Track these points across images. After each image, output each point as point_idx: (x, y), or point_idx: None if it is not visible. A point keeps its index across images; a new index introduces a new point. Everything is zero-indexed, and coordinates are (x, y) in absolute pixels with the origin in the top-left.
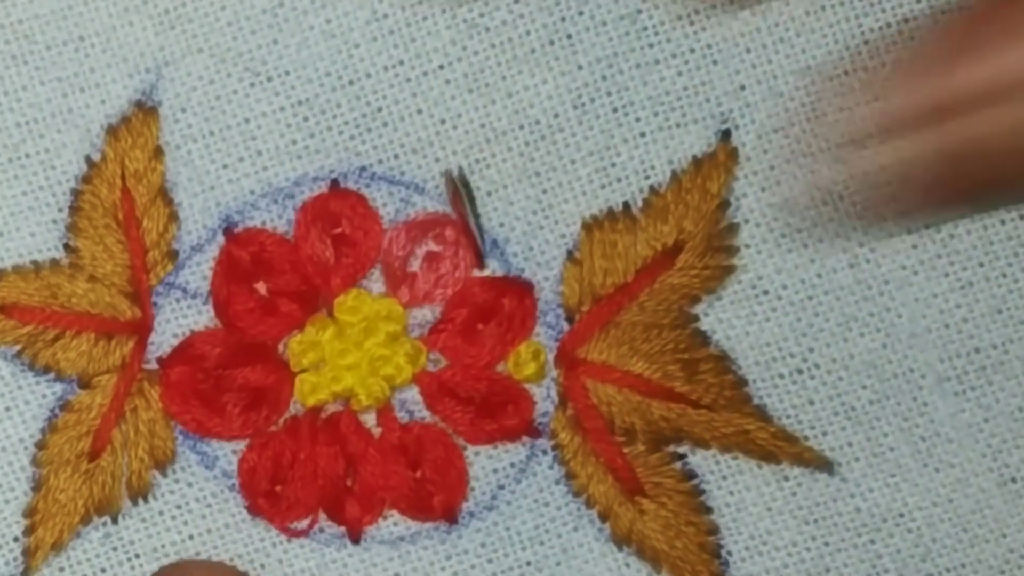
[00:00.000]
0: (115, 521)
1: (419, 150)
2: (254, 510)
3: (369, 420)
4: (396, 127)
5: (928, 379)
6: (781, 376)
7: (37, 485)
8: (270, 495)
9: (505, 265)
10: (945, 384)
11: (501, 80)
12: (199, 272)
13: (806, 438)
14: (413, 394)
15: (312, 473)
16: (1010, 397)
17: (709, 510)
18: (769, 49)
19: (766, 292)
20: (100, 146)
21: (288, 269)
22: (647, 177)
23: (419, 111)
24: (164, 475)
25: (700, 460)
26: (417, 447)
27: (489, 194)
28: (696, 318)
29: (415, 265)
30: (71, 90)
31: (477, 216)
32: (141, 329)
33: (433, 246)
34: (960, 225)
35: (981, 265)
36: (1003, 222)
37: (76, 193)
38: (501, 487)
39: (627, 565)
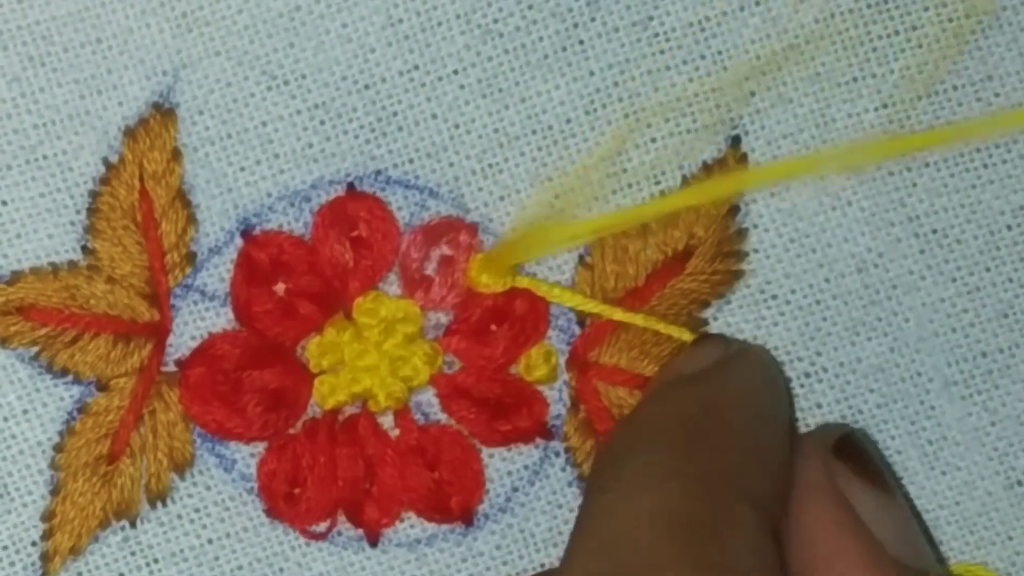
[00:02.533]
0: (133, 525)
1: (433, 154)
2: (273, 513)
3: (386, 422)
4: (411, 131)
5: (935, 383)
6: (789, 380)
7: (55, 489)
8: (289, 498)
9: (517, 268)
10: (952, 388)
11: (514, 85)
12: (217, 274)
13: None
14: (429, 396)
15: (331, 476)
16: (1016, 401)
17: None
18: (778, 56)
19: (775, 297)
20: (118, 148)
21: (307, 271)
22: (658, 182)
23: (434, 116)
24: (182, 478)
25: None
26: (435, 448)
27: (502, 199)
28: (705, 322)
29: (430, 269)
30: (89, 92)
31: None
32: (159, 331)
33: (447, 250)
34: (967, 231)
35: (988, 270)
36: (1009, 227)
37: (94, 195)
38: (515, 489)
39: None
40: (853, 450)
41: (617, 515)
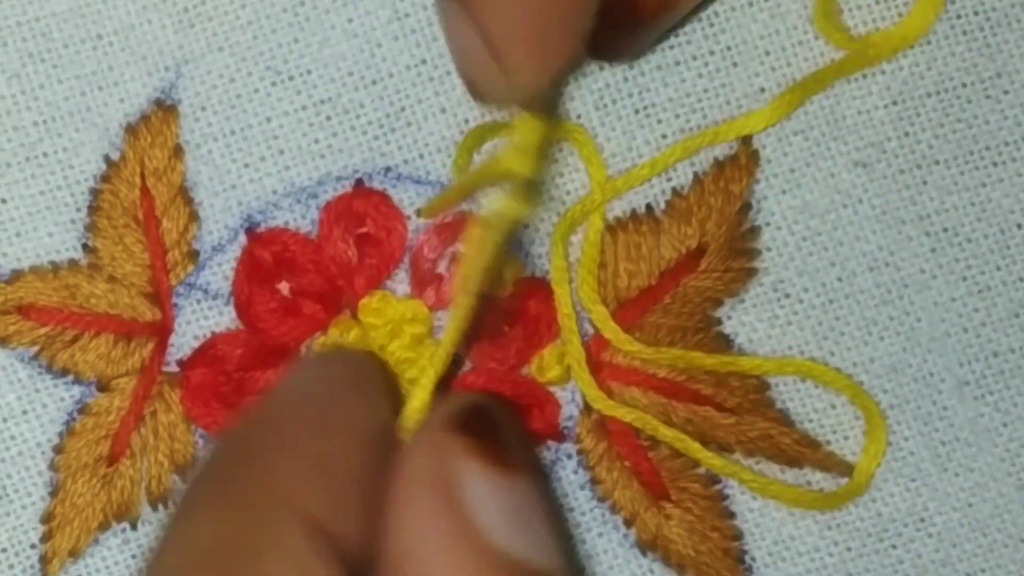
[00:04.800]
0: (134, 527)
1: (444, 149)
2: None
3: None
4: (420, 126)
5: (947, 383)
6: (803, 380)
7: (55, 490)
8: None
9: (531, 267)
10: (964, 388)
11: None
12: (220, 272)
13: (828, 442)
14: None
15: None
16: None
17: (733, 515)
18: (788, 52)
19: (787, 295)
20: (119, 145)
21: (311, 269)
22: (669, 179)
23: (443, 110)
24: (184, 480)
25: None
26: None
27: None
28: (719, 321)
29: (442, 267)
30: (89, 88)
31: None
32: (161, 331)
33: (460, 247)
34: (978, 229)
35: (999, 269)
36: (1020, 226)
37: (95, 192)
38: None
39: (652, 571)
40: (475, 424)
41: (162, 550)
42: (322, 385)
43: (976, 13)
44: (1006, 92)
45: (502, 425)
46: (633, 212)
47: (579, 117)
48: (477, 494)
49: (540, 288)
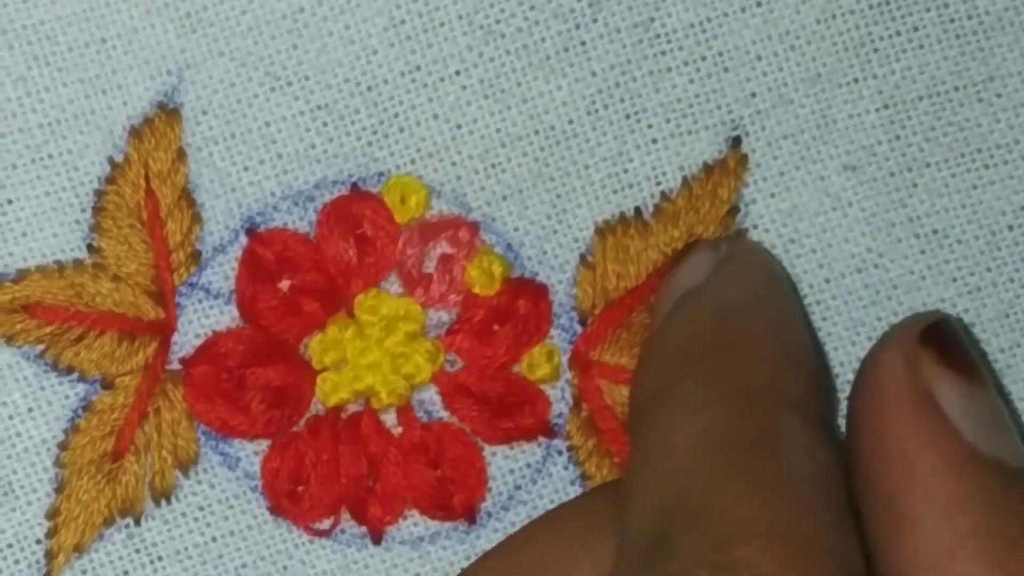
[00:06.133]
0: (138, 523)
1: (435, 154)
2: (277, 511)
3: (389, 420)
4: (413, 132)
5: None
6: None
7: (60, 487)
8: (293, 495)
9: (520, 268)
10: None
11: (516, 86)
12: (221, 272)
13: None
14: (431, 394)
15: (334, 473)
16: (1018, 401)
17: None
18: (780, 57)
19: None
20: (123, 147)
21: (311, 267)
22: (659, 183)
23: (435, 116)
24: (187, 476)
25: None
26: (438, 446)
27: (504, 198)
28: None
29: (430, 267)
30: (93, 91)
31: None
32: (165, 329)
33: (447, 248)
34: (968, 231)
35: (989, 270)
36: (1010, 228)
37: (99, 194)
38: (518, 487)
39: None
40: (941, 338)
41: (668, 445)
42: (758, 278)
43: (969, 17)
44: (998, 95)
45: (962, 339)
46: (622, 215)
47: (571, 122)
48: (948, 399)
49: (530, 287)
